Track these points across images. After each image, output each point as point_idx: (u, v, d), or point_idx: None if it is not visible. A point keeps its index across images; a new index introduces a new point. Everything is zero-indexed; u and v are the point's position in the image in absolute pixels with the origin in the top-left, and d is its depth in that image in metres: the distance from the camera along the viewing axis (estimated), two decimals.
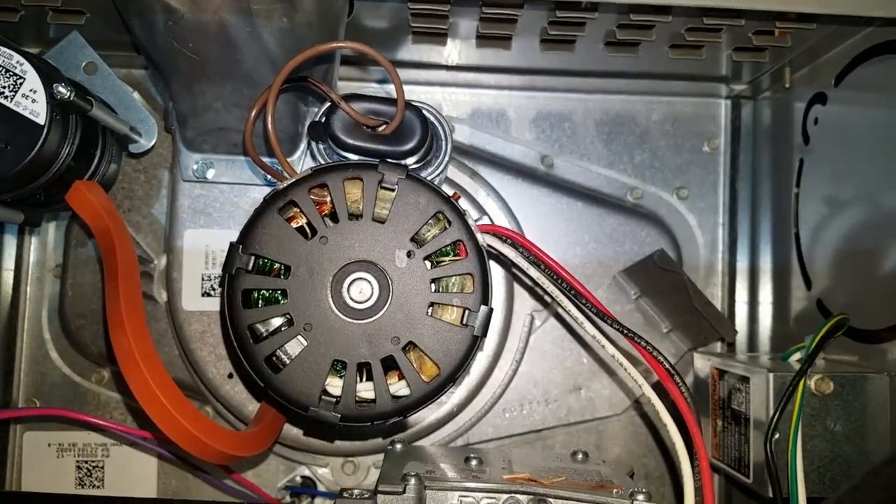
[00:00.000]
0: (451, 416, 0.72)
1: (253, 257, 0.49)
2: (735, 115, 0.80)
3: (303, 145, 0.67)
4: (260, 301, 0.50)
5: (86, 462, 0.75)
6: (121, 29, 0.63)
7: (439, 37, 0.66)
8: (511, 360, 0.74)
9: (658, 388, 0.52)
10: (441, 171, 0.59)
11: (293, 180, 0.50)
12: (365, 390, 0.49)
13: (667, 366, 0.46)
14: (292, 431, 0.70)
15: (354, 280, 0.49)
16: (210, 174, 0.68)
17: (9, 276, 0.76)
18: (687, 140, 0.79)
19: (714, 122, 0.80)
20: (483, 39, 0.67)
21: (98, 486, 0.75)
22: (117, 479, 0.75)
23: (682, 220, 0.79)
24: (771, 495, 0.58)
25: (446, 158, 0.59)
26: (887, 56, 0.59)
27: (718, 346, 0.78)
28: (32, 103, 0.54)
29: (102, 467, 0.75)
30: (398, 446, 0.60)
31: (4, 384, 0.75)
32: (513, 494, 0.51)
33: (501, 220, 0.75)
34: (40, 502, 0.70)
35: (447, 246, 0.50)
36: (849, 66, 0.65)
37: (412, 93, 0.78)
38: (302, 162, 0.67)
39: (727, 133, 0.80)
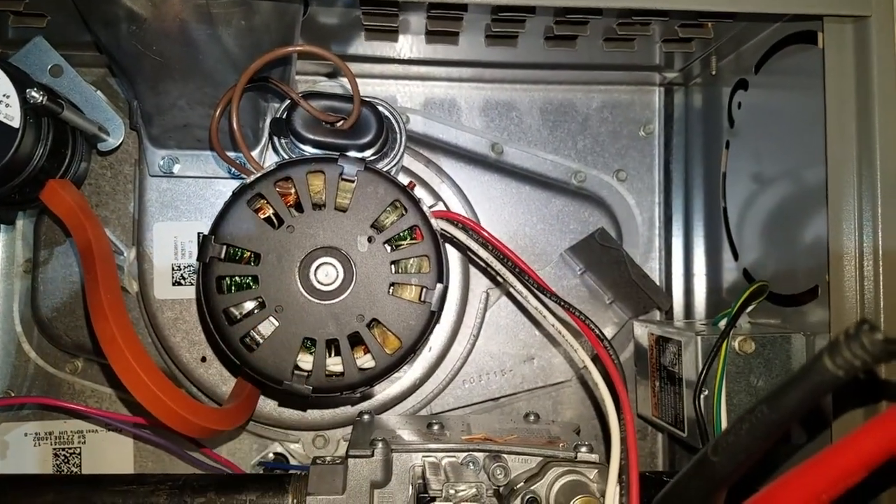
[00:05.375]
0: (415, 387, 0.77)
1: (225, 246, 0.53)
2: (668, 102, 0.86)
3: (264, 138, 0.71)
4: (233, 287, 0.55)
5: (63, 449, 0.78)
6: (82, 30, 0.65)
7: (390, 33, 0.71)
8: (469, 335, 0.80)
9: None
10: (397, 162, 0.64)
11: (259, 174, 0.54)
12: (334, 364, 0.54)
13: (597, 332, 0.52)
14: (265, 409, 0.74)
15: (320, 264, 0.54)
16: (176, 169, 0.71)
17: None
18: (624, 126, 0.85)
19: (649, 109, 0.86)
20: (432, 35, 0.71)
21: (76, 472, 0.78)
22: (94, 463, 0.78)
23: (621, 200, 0.85)
24: (701, 446, 0.65)
25: (401, 149, 0.63)
26: (799, 46, 0.66)
27: (658, 315, 0.85)
28: (6, 108, 0.56)
29: (79, 453, 0.78)
30: (366, 417, 0.65)
31: None
32: (470, 452, 0.57)
33: (456, 205, 0.80)
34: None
35: (404, 231, 0.55)
36: (766, 55, 0.71)
37: (367, 85, 0.82)
38: (264, 154, 0.71)
39: (661, 118, 0.86)
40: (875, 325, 0.31)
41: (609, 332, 0.82)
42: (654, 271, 0.85)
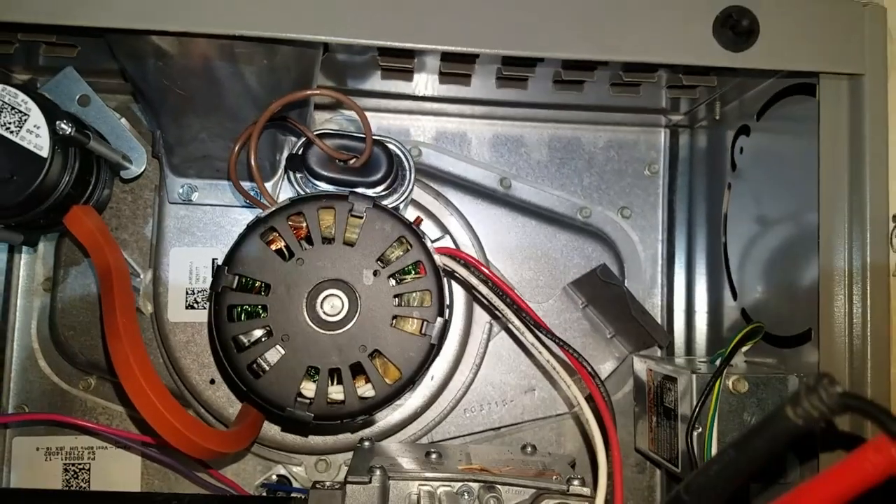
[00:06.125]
0: (416, 415, 0.79)
1: (237, 277, 0.56)
2: (673, 143, 0.89)
3: (280, 171, 0.74)
4: (243, 315, 0.57)
5: (73, 465, 0.80)
6: (109, 59, 0.68)
7: (405, 73, 0.73)
8: (471, 365, 0.81)
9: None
10: (406, 197, 0.67)
11: (273, 209, 0.57)
12: (336, 392, 0.56)
13: (589, 370, 0.54)
14: (269, 433, 0.76)
15: (327, 296, 0.56)
16: (194, 197, 0.74)
17: None
18: (630, 165, 0.88)
19: (654, 149, 0.88)
20: (445, 76, 0.74)
21: (84, 487, 0.80)
22: (103, 479, 0.80)
23: (625, 236, 0.87)
24: None
25: (410, 186, 0.66)
26: (799, 97, 0.68)
27: (659, 351, 0.86)
28: (36, 138, 0.60)
29: (89, 469, 0.80)
30: (366, 444, 0.67)
31: None
32: (466, 482, 0.58)
33: (463, 238, 0.82)
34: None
35: (409, 266, 0.58)
36: (768, 103, 0.73)
37: (382, 119, 0.85)
38: (279, 186, 0.73)
39: (665, 159, 0.88)
40: (835, 378, 0.33)
41: (610, 365, 0.84)
42: (656, 307, 0.87)
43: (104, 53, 0.67)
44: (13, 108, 0.60)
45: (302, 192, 0.64)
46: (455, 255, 0.60)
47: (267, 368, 0.56)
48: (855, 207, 0.61)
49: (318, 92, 0.61)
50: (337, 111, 0.82)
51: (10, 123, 0.60)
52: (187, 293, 0.74)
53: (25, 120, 0.60)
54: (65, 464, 0.80)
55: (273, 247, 0.58)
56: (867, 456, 0.34)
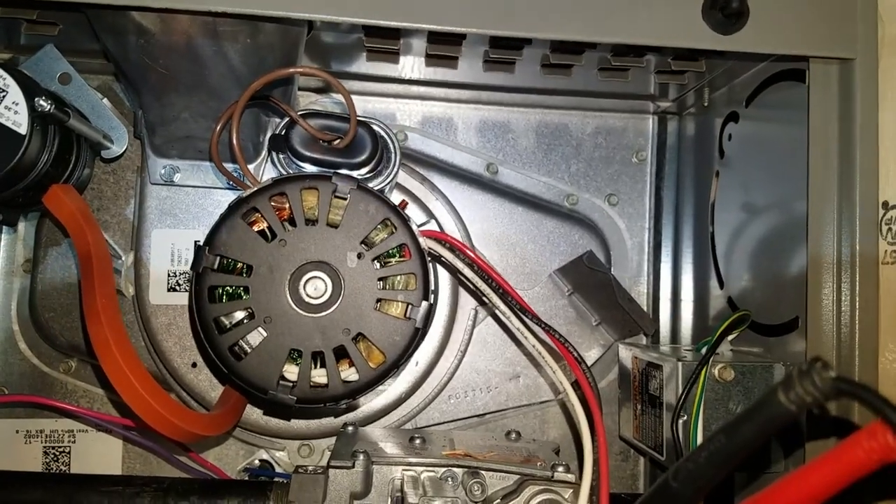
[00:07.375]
0: (400, 401, 0.78)
1: (218, 257, 0.55)
2: (661, 130, 0.88)
3: (264, 152, 0.73)
4: (224, 296, 0.56)
5: (53, 447, 0.79)
6: (91, 38, 0.67)
7: (391, 55, 0.73)
8: (456, 351, 0.81)
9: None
10: (391, 180, 0.66)
11: (255, 189, 0.56)
12: (319, 376, 0.56)
13: (575, 355, 0.53)
14: (252, 417, 0.75)
15: (310, 278, 0.56)
16: (177, 178, 0.73)
17: None
18: (617, 152, 0.87)
19: (642, 136, 0.88)
20: (432, 58, 0.73)
21: (64, 470, 0.79)
22: (83, 463, 0.79)
23: (612, 224, 0.87)
24: None
25: (396, 168, 0.65)
26: (788, 82, 0.68)
27: (644, 339, 0.86)
28: (15, 115, 0.58)
29: (69, 452, 0.79)
30: (350, 428, 0.67)
31: None
32: (450, 467, 0.58)
33: (449, 223, 0.82)
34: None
35: (393, 248, 0.57)
36: (757, 89, 0.72)
37: (367, 102, 0.84)
38: (263, 167, 0.72)
39: (654, 146, 0.88)
40: (828, 363, 0.33)
41: (595, 353, 0.84)
42: (642, 295, 0.87)
43: (86, 32, 0.66)
44: None
45: (285, 173, 0.63)
46: (441, 238, 0.59)
47: (249, 351, 0.55)
48: (844, 194, 0.60)
49: (300, 70, 0.60)
50: (321, 94, 0.81)
51: None
52: (169, 275, 0.73)
53: (3, 97, 0.59)
54: (45, 447, 0.79)
55: (255, 228, 0.57)
56: (861, 443, 0.34)
